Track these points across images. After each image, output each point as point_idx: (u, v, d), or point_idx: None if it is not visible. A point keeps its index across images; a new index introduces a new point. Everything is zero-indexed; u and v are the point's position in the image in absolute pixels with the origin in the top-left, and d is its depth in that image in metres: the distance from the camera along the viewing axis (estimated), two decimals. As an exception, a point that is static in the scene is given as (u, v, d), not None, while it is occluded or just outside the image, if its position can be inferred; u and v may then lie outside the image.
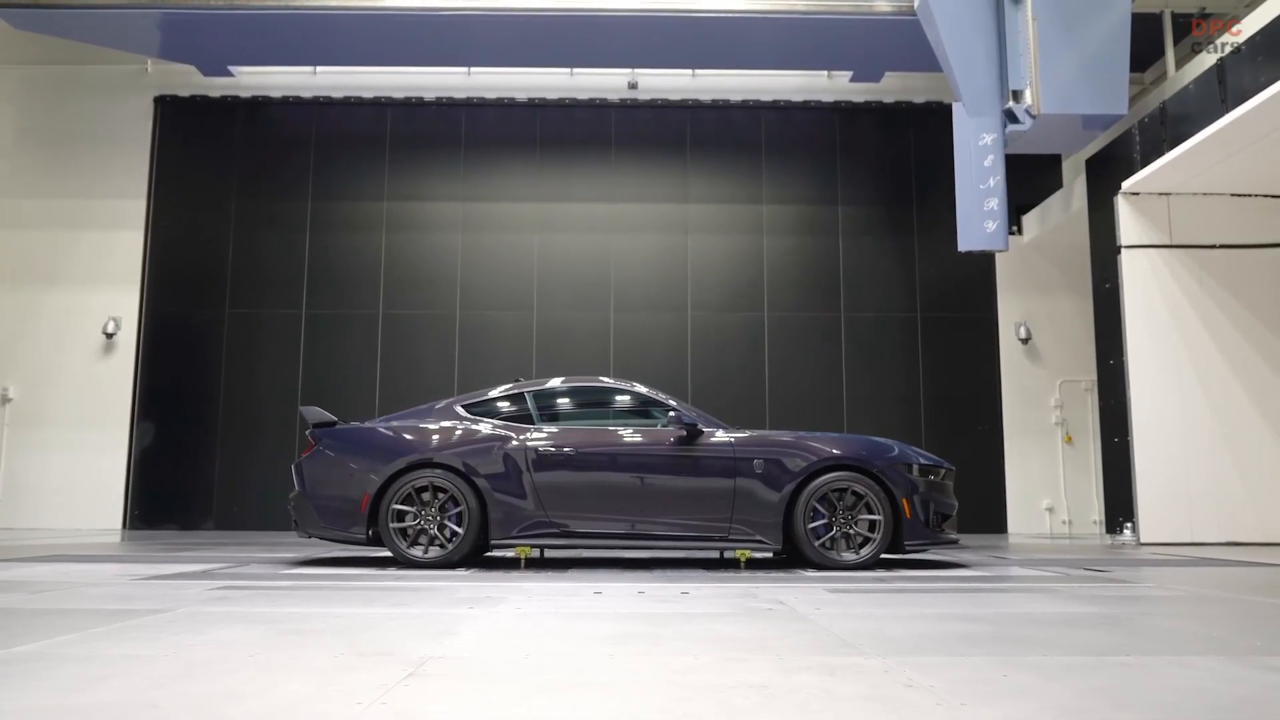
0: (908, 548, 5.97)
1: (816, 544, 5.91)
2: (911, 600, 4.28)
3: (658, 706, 2.11)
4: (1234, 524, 9.10)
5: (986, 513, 11.97)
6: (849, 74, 12.59)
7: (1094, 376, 10.77)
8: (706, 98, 13.01)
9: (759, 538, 5.93)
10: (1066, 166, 12.41)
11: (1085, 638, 3.15)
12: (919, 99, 12.97)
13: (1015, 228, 12.12)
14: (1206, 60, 9.42)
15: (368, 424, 6.50)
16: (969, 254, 10.16)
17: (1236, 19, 8.34)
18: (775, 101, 13.01)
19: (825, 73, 12.94)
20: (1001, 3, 9.46)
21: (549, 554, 7.09)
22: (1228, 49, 8.02)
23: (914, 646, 2.94)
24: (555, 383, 6.75)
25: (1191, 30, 9.98)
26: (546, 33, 10.78)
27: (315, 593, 4.49)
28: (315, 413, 6.44)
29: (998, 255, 12.18)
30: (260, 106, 12.95)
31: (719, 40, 10.98)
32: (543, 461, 6.02)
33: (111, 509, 11.93)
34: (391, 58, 11.93)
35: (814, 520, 5.92)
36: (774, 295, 12.60)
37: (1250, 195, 9.50)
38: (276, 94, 12.90)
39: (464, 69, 12.90)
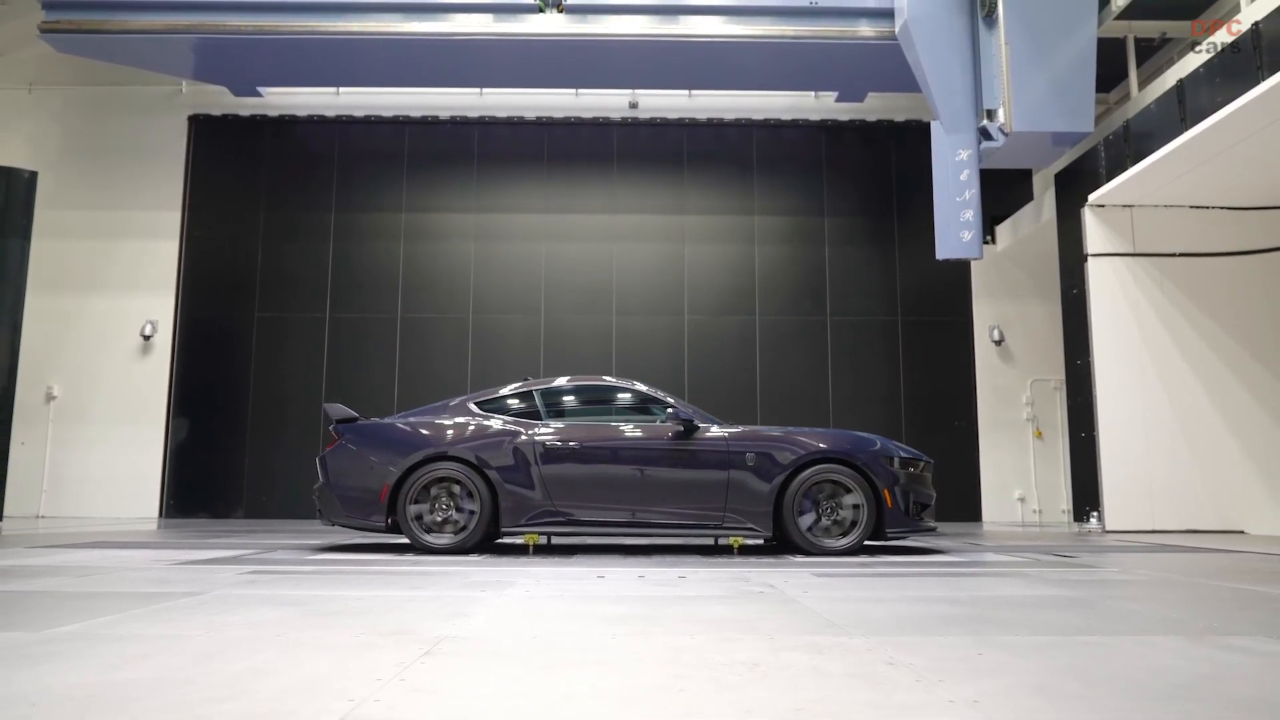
0: (889, 535, 5.97)
1: (804, 531, 5.90)
2: (893, 584, 4.28)
3: (656, 682, 2.11)
4: (1193, 513, 9.10)
5: (962, 503, 11.97)
6: (834, 94, 12.58)
7: (1063, 376, 10.76)
8: (702, 116, 13.01)
9: (751, 526, 5.92)
10: (1037, 180, 12.41)
11: (1054, 619, 3.15)
12: (900, 117, 12.97)
13: (989, 237, 12.12)
14: (1167, 81, 9.43)
15: (387, 420, 6.50)
16: (946, 262, 10.13)
17: (1237, 19, 8.24)
18: (766, 120, 13.01)
19: (812, 93, 12.94)
20: (976, 28, 9.47)
21: (555, 541, 7.09)
22: (1220, 47, 7.94)
23: (895, 627, 2.94)
24: (561, 381, 6.75)
25: (1192, 31, 9.93)
26: (553, 56, 10.78)
27: (338, 577, 4.49)
28: (338, 409, 6.43)
29: (973, 263, 12.18)
30: (287, 124, 12.95)
31: (714, 63, 10.97)
32: (550, 455, 6.01)
33: (148, 499, 11.93)
34: (409, 79, 11.94)
35: (802, 509, 5.92)
36: (765, 300, 12.60)
37: (1208, 207, 9.50)
38: (302, 113, 12.90)
39: (476, 90, 12.90)
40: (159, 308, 12.33)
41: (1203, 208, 9.50)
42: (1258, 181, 8.82)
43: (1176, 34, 10.63)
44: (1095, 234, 9.59)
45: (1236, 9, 8.71)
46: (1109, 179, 9.27)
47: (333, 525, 6.25)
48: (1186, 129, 7.97)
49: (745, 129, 13.01)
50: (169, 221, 12.54)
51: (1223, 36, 8.14)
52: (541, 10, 10.27)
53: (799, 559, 5.71)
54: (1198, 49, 8.69)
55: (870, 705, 1.91)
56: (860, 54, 10.48)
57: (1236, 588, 4.17)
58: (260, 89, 12.29)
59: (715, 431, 6.09)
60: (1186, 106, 8.10)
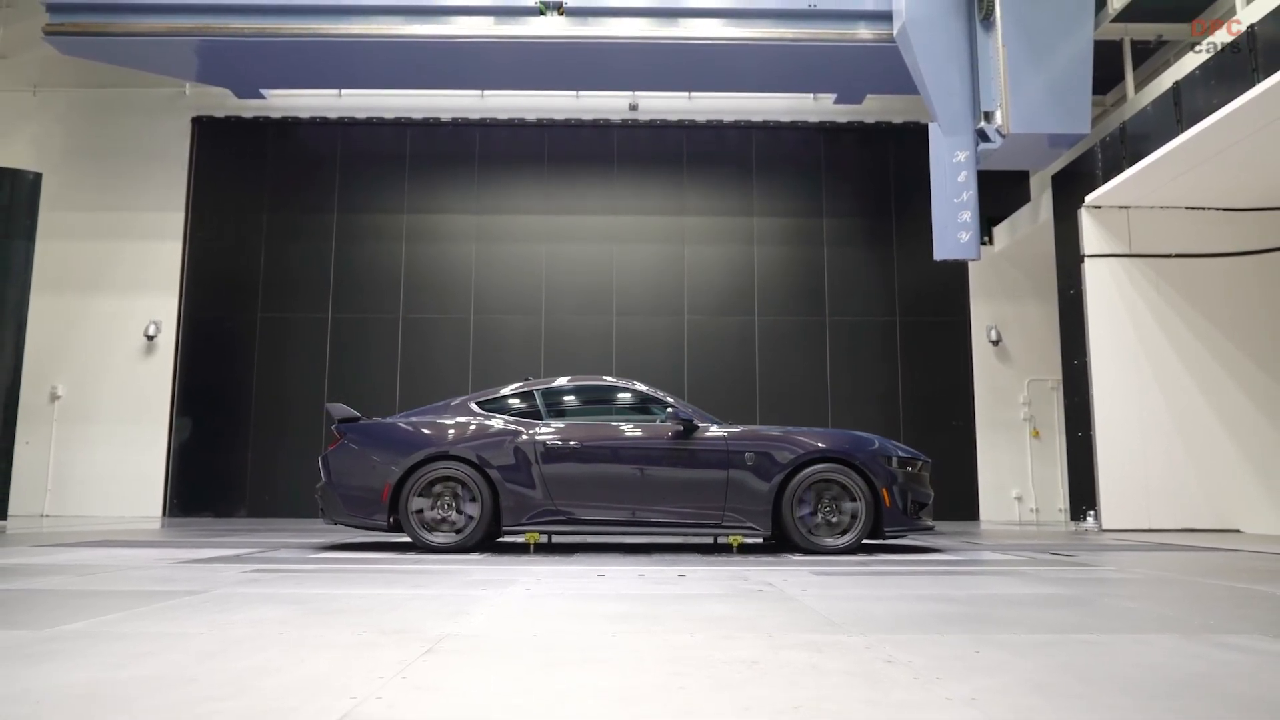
0: (887, 534, 5.96)
1: (803, 530, 5.90)
2: (891, 582, 4.28)
3: (656, 680, 2.11)
4: (1189, 512, 9.10)
5: (960, 502, 11.97)
6: (833, 96, 12.59)
7: (1059, 376, 10.76)
8: (701, 118, 13.01)
9: (750, 524, 5.92)
10: (1034, 182, 12.41)
11: (1052, 617, 3.14)
12: (898, 119, 12.97)
13: (987, 238, 12.12)
14: (1164, 83, 9.42)
15: (389, 419, 6.49)
16: (944, 262, 10.15)
17: (1237, 19, 8.19)
18: (765, 122, 13.01)
19: (811, 95, 12.95)
20: (974, 30, 9.48)
21: (556, 539, 7.09)
22: (1220, 47, 7.92)
23: (893, 625, 2.94)
24: (562, 381, 6.75)
25: (1192, 31, 9.91)
26: (554, 58, 10.79)
27: (340, 575, 4.49)
28: (340, 409, 6.43)
29: (970, 263, 12.18)
30: (290, 126, 12.96)
31: (713, 65, 10.98)
32: (550, 454, 6.01)
33: (152, 498, 11.93)
34: (411, 81, 11.95)
35: (801, 508, 5.91)
36: (764, 300, 12.60)
37: (1204, 209, 9.50)
38: (305, 115, 12.91)
39: (478, 92, 12.91)
40: (162, 308, 12.33)
41: (1199, 209, 9.50)
42: (1253, 183, 8.82)
43: (1173, 36, 10.63)
44: (1092, 235, 9.59)
45: (1234, 10, 8.70)
46: (1106, 180, 9.27)
47: (335, 524, 6.24)
48: (1182, 131, 7.97)
49: (744, 131, 13.01)
50: (172, 222, 12.55)
51: (1222, 36, 8.12)
52: (542, 13, 10.28)
53: (798, 557, 5.70)
54: (1197, 49, 8.67)
55: (868, 703, 1.90)
56: (859, 56, 10.49)
57: (1233, 586, 4.17)
58: (263, 91, 12.30)
59: (715, 431, 6.09)
60: (1183, 108, 8.10)
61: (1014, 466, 12.25)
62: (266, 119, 12.89)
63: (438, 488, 6.01)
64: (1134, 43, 10.78)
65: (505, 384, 6.79)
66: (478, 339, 12.44)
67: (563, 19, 10.31)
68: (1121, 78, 10.96)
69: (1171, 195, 9.23)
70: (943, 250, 9.58)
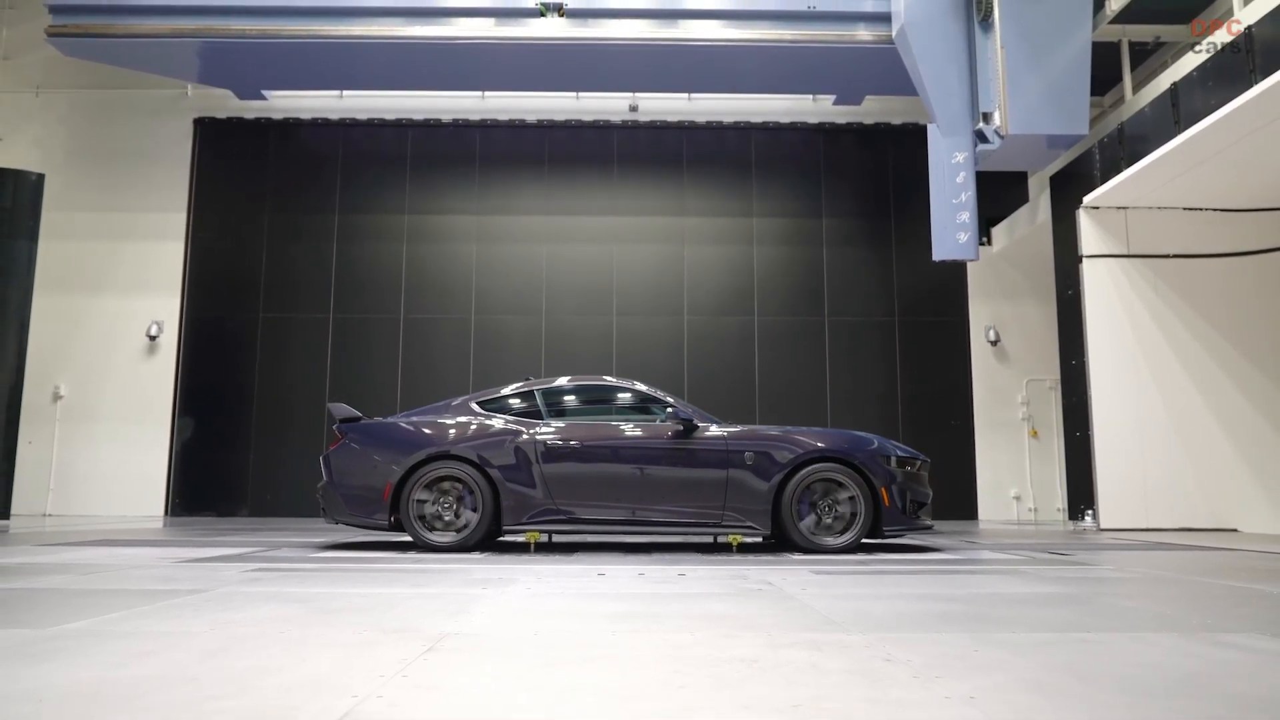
0: (886, 533, 5.96)
1: (802, 529, 5.90)
2: (890, 581, 4.27)
3: (656, 679, 2.11)
4: (1186, 511, 9.10)
5: (959, 501, 11.97)
6: (832, 97, 12.59)
7: (1058, 376, 10.76)
8: (701, 119, 13.01)
9: (750, 524, 5.92)
10: (1032, 182, 12.41)
11: (1050, 616, 3.14)
12: (897, 120, 12.97)
13: (985, 239, 12.11)
14: (1161, 85, 9.42)
15: (390, 419, 6.49)
16: (943, 263, 10.15)
17: (1236, 19, 8.16)
18: (765, 123, 13.01)
19: (811, 96, 12.95)
20: (972, 32, 9.48)
21: (556, 539, 7.09)
22: (1219, 47, 7.90)
23: (892, 624, 2.93)
24: (562, 381, 6.74)
25: (1192, 31, 9.89)
26: (554, 60, 10.79)
27: (341, 574, 4.49)
28: (342, 409, 6.43)
29: (969, 264, 12.18)
30: (291, 127, 12.96)
31: (713, 67, 10.98)
32: (551, 454, 6.01)
33: (154, 497, 11.93)
34: (412, 82, 11.95)
35: (800, 508, 5.91)
36: (764, 301, 12.60)
37: (1201, 209, 9.50)
38: (306, 116, 12.91)
39: (479, 93, 12.91)
40: (164, 308, 12.33)
41: (1196, 209, 9.50)
42: (1251, 183, 8.82)
43: (1171, 38, 10.63)
44: (1090, 236, 9.59)
45: (1232, 11, 8.70)
46: (1104, 181, 9.27)
47: (336, 523, 6.24)
48: (1180, 132, 7.96)
49: (744, 132, 13.01)
50: (174, 223, 12.55)
51: (1222, 36, 8.11)
52: (543, 14, 10.28)
53: (797, 557, 5.70)
54: (1197, 49, 8.66)
55: (867, 701, 1.90)
56: (858, 58, 10.49)
57: (1230, 585, 4.17)
58: (265, 92, 12.30)
59: (714, 431, 6.09)
60: (1180, 109, 8.09)
61: (1012, 466, 12.25)
62: (268, 120, 12.89)
63: (439, 487, 6.01)
64: (1132, 44, 10.78)
65: (506, 384, 6.79)
66: (478, 339, 12.44)
67: (563, 20, 10.31)
68: (1120, 79, 10.96)
69: (1169, 196, 9.22)
70: (941, 251, 9.58)
